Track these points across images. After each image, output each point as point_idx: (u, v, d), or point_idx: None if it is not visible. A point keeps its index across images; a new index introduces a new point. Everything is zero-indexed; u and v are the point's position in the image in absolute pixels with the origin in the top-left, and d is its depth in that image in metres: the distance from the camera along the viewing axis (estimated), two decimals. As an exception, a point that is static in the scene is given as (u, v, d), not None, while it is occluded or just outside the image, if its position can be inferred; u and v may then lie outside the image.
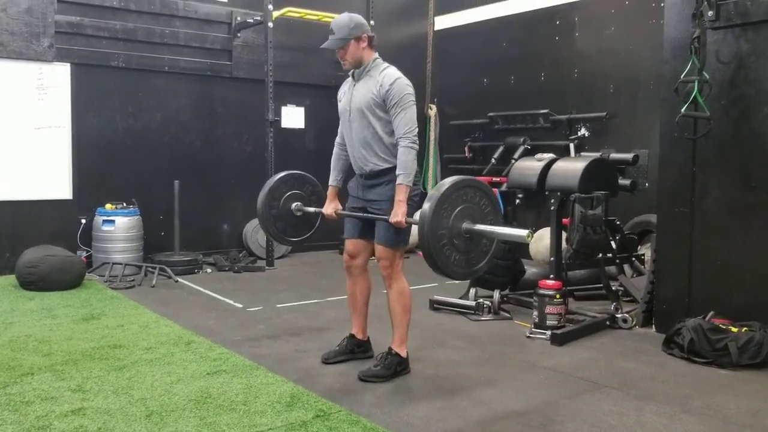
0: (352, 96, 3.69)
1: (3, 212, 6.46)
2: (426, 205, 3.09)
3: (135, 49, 7.05)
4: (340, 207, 3.95)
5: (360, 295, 3.94)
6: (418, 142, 3.52)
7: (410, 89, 3.56)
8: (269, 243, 6.93)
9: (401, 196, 3.47)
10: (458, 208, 3.13)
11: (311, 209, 4.17)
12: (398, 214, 3.45)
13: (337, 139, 3.95)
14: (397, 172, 3.50)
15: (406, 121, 3.50)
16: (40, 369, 3.72)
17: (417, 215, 3.27)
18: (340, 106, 3.82)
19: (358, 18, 3.63)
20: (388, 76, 3.56)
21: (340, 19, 3.62)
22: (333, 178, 3.98)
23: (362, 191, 3.76)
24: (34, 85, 6.53)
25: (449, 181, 3.18)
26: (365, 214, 3.75)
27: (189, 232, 7.22)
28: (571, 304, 5.11)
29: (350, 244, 3.89)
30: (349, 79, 3.78)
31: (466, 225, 3.14)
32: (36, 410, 3.13)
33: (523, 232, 3.09)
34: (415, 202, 3.68)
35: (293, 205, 4.16)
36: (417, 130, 3.53)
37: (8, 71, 6.40)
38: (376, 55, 3.68)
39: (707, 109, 4.24)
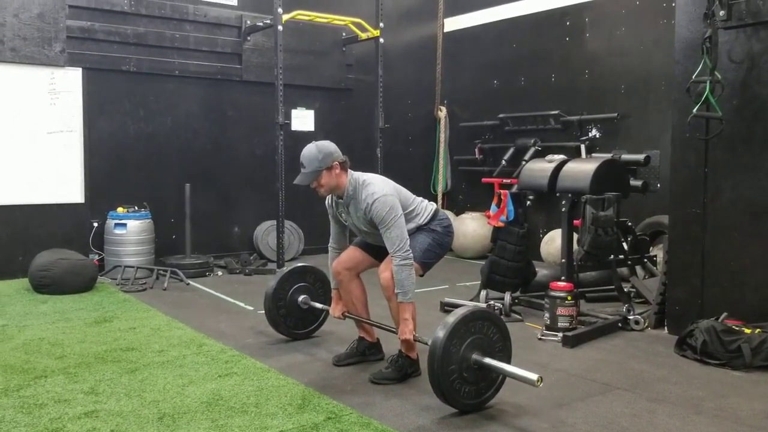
0: (353, 219, 3.72)
1: (16, 216, 6.52)
2: (439, 333, 3.08)
3: (146, 54, 7.09)
4: (347, 309, 4.00)
5: (357, 301, 3.94)
6: (410, 255, 3.49)
7: (390, 203, 3.50)
8: (280, 246, 6.94)
9: (406, 314, 3.51)
10: (468, 340, 3.14)
11: (318, 305, 4.32)
12: (405, 332, 3.52)
13: (331, 243, 3.99)
14: (396, 291, 3.50)
15: (393, 239, 3.48)
16: (53, 372, 3.75)
17: (426, 338, 3.27)
18: (348, 224, 3.82)
19: (327, 147, 3.56)
20: (366, 200, 3.54)
21: (308, 152, 3.54)
22: (335, 283, 3.99)
23: None
24: (46, 89, 6.59)
25: (458, 314, 3.16)
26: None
27: (200, 235, 7.26)
28: (582, 305, 5.09)
29: (353, 254, 3.89)
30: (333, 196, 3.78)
31: (475, 356, 3.14)
32: (49, 413, 3.15)
33: (533, 376, 2.99)
34: (438, 233, 3.75)
35: (300, 298, 4.35)
36: (407, 241, 3.50)
37: (21, 76, 6.46)
38: (351, 174, 3.64)
39: (719, 109, 4.21)
